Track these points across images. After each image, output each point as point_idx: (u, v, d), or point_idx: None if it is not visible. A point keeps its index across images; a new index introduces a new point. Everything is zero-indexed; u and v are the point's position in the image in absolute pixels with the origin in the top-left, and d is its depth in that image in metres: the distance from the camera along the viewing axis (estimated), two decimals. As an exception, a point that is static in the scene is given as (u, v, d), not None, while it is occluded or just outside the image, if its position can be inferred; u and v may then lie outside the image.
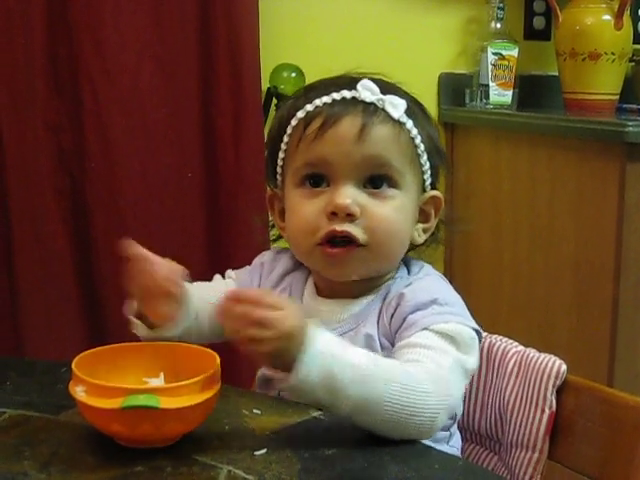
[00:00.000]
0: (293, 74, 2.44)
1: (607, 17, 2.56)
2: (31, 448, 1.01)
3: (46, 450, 1.01)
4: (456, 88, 2.74)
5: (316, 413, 1.13)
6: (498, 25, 2.67)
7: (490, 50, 2.62)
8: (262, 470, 0.96)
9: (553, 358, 1.27)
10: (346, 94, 1.22)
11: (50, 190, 2.21)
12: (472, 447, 1.38)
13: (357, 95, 1.22)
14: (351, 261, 1.22)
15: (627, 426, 1.18)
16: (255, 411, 1.13)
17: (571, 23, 2.60)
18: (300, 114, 1.25)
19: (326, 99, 1.23)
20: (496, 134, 2.54)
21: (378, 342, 1.21)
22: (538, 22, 2.86)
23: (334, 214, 1.19)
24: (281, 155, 1.29)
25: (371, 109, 1.21)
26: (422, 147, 1.25)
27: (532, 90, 2.79)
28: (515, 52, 2.65)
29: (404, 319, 1.19)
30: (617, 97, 2.63)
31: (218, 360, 1.05)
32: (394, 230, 1.22)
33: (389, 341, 1.21)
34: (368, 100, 1.21)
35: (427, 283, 1.25)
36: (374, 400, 1.03)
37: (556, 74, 2.70)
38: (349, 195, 1.19)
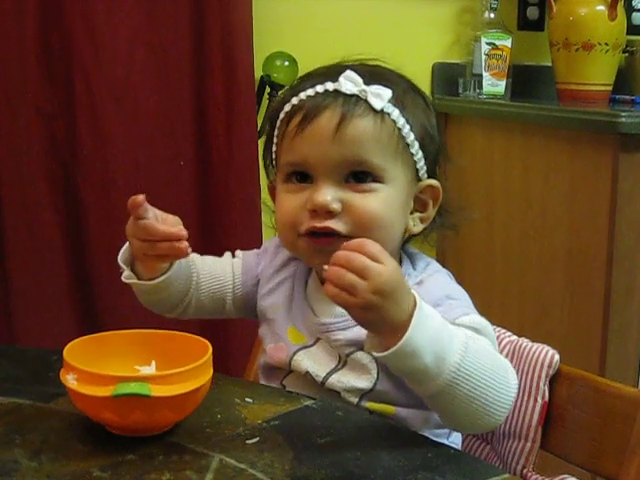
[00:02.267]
0: (286, 62, 2.43)
1: (601, 7, 2.55)
2: (22, 436, 1.01)
3: (37, 438, 1.01)
4: (449, 78, 2.74)
5: (309, 402, 1.13)
6: (492, 15, 2.68)
7: (484, 40, 2.62)
8: (254, 459, 0.96)
9: (546, 348, 1.27)
10: (329, 86, 1.20)
11: (42, 178, 2.21)
12: (465, 437, 1.38)
13: (338, 87, 1.19)
14: (335, 251, 1.21)
15: (619, 416, 1.18)
16: (247, 400, 1.13)
17: (565, 13, 2.60)
18: (286, 107, 1.24)
19: (310, 92, 1.21)
20: (489, 124, 2.54)
21: None
22: (532, 12, 2.86)
23: (314, 211, 1.19)
24: (274, 148, 1.28)
25: (352, 101, 1.19)
26: (412, 136, 1.22)
27: (525, 80, 2.79)
28: (509, 42, 2.64)
29: None
30: (610, 88, 2.63)
31: (210, 349, 1.05)
32: (379, 222, 1.20)
33: None
34: (349, 92, 1.19)
35: (438, 280, 1.25)
36: (476, 373, 1.02)
37: (549, 64, 2.70)
38: (328, 193, 1.18)
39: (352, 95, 1.19)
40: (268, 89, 2.41)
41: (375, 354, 1.01)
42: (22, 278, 2.21)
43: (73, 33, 2.17)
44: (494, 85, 2.64)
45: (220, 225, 2.34)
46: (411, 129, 1.22)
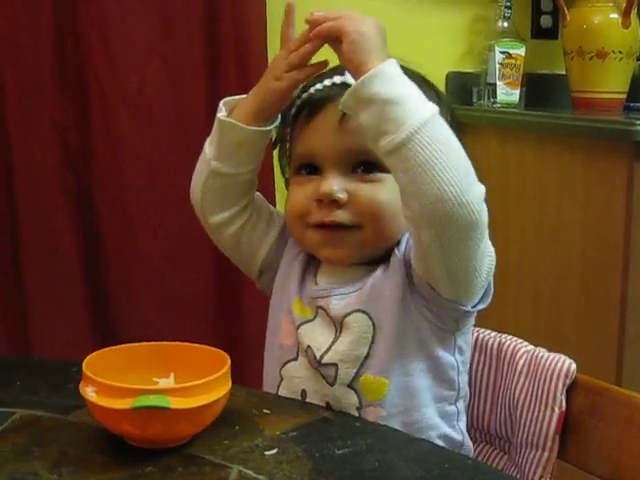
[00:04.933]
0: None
1: (614, 16, 2.56)
2: (41, 448, 1.01)
3: (56, 450, 1.01)
4: (463, 87, 2.74)
5: (327, 413, 1.13)
6: (505, 24, 2.68)
7: (497, 49, 2.62)
8: (272, 470, 0.96)
9: (563, 357, 1.27)
10: (336, 79, 1.23)
11: (57, 188, 2.22)
12: (482, 446, 1.38)
13: (345, 80, 1.21)
14: (344, 242, 1.22)
15: (637, 426, 1.17)
16: (265, 411, 1.13)
17: (578, 22, 2.60)
18: (297, 102, 1.27)
19: (318, 86, 1.24)
20: (504, 133, 2.54)
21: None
22: (545, 21, 2.86)
23: (320, 201, 1.21)
24: (287, 146, 1.30)
25: None
26: None
27: (539, 89, 2.79)
28: (522, 51, 2.65)
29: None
30: (625, 96, 2.63)
31: (229, 360, 1.05)
32: (386, 212, 1.21)
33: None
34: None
35: None
36: (440, 138, 1.08)
37: (563, 73, 2.70)
38: (334, 183, 1.20)
39: None
40: (282, 98, 2.42)
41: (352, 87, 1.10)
42: (37, 286, 2.21)
43: (87, 44, 2.18)
44: (508, 94, 2.64)
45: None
46: None
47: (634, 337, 2.08)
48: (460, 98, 2.73)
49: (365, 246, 1.23)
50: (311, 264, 1.31)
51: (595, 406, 1.24)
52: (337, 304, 1.23)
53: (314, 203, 1.22)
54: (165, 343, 1.14)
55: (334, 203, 1.20)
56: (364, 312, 1.21)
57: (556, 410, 1.25)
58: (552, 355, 1.29)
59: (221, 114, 1.27)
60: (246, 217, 1.33)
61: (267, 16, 2.32)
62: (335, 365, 1.21)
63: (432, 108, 1.09)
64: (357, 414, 1.20)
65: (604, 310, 2.12)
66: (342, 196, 1.19)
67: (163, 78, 2.27)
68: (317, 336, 1.24)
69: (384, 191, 1.20)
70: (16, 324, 2.20)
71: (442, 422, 1.24)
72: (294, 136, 1.27)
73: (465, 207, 1.09)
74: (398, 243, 1.24)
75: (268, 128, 1.26)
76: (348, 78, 1.20)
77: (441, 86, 2.71)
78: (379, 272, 1.23)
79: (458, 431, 1.27)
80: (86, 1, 2.16)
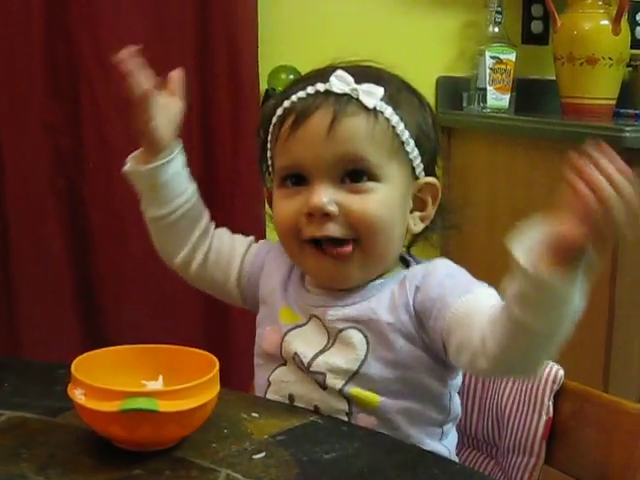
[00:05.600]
0: (291, 76, 2.44)
1: (605, 22, 2.56)
2: (29, 450, 1.01)
3: (44, 452, 1.01)
4: (453, 92, 2.74)
5: (314, 417, 1.13)
6: (496, 29, 2.68)
7: (488, 54, 2.63)
8: (260, 474, 0.96)
9: (550, 363, 1.27)
10: (320, 87, 1.20)
11: (47, 191, 2.22)
12: (469, 451, 1.38)
13: (329, 87, 1.19)
14: (343, 272, 1.21)
15: (623, 432, 1.18)
16: (254, 415, 1.13)
17: (569, 28, 2.60)
18: (279, 111, 1.23)
19: (301, 94, 1.21)
20: (493, 138, 2.54)
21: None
22: (536, 26, 2.87)
23: (311, 215, 1.18)
24: (268, 154, 1.28)
25: (343, 101, 1.18)
26: (406, 134, 1.21)
27: (530, 94, 2.79)
28: (513, 56, 2.65)
29: (438, 287, 1.19)
30: (614, 102, 2.64)
31: (217, 364, 1.05)
32: (380, 223, 1.19)
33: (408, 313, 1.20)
34: (340, 91, 1.18)
35: (445, 261, 1.26)
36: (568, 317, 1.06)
37: (554, 78, 2.71)
38: (324, 194, 1.17)
39: (344, 94, 1.18)
40: (273, 102, 2.42)
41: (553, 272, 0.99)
42: (27, 290, 2.21)
43: (79, 47, 2.18)
44: (498, 99, 2.64)
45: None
46: (405, 127, 1.21)
47: (621, 344, 2.09)
48: (450, 103, 2.73)
49: (366, 266, 1.22)
50: (294, 273, 1.30)
51: (582, 412, 1.24)
52: (334, 315, 1.22)
53: (303, 217, 1.19)
54: (154, 346, 1.14)
55: (325, 217, 1.17)
56: (360, 331, 1.20)
57: (543, 416, 1.26)
58: (540, 361, 1.29)
59: (125, 167, 1.32)
60: (205, 248, 1.36)
61: (259, 21, 2.32)
62: (323, 374, 1.20)
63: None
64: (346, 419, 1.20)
65: (591, 316, 2.11)
66: (333, 209, 1.17)
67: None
68: (306, 342, 1.23)
69: (375, 202, 1.19)
70: (5, 326, 2.20)
71: (429, 440, 1.23)
72: (277, 146, 1.24)
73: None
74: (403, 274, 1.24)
75: (164, 161, 1.30)
76: (332, 85, 1.19)
77: (431, 91, 2.71)
78: (384, 299, 1.21)
79: (444, 447, 1.26)
80: (78, 3, 2.16)
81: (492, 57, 2.63)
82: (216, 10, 2.28)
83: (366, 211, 1.18)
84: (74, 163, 2.22)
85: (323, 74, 1.21)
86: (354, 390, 1.19)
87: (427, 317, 1.18)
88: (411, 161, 1.23)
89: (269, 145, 1.27)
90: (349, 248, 1.19)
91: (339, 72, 1.20)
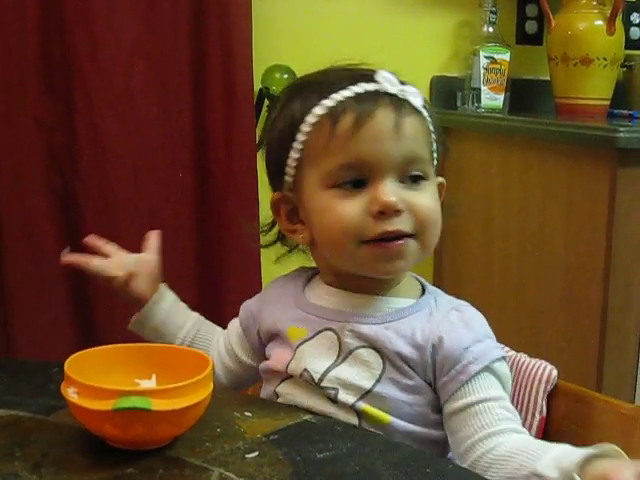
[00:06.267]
0: (285, 75, 2.44)
1: (599, 22, 2.56)
2: (22, 449, 1.01)
3: (37, 451, 1.01)
4: (448, 91, 2.75)
5: (308, 416, 1.13)
6: (490, 29, 2.68)
7: (482, 54, 2.63)
8: (253, 473, 0.96)
9: (544, 364, 1.27)
10: (367, 87, 1.18)
11: (41, 189, 2.21)
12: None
13: (379, 87, 1.18)
14: (403, 254, 1.19)
15: (616, 432, 1.18)
16: (247, 414, 1.13)
17: (563, 28, 2.61)
18: (319, 111, 1.19)
19: (347, 93, 1.18)
20: (487, 138, 2.55)
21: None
22: (530, 26, 2.87)
23: (382, 213, 1.16)
24: (294, 155, 1.22)
25: (397, 101, 1.18)
26: (433, 135, 1.24)
27: (524, 94, 2.80)
28: (507, 56, 2.65)
29: (461, 349, 1.18)
30: (608, 102, 2.64)
31: (211, 363, 1.05)
32: (437, 219, 1.21)
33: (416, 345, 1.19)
34: (391, 91, 1.18)
35: (473, 311, 1.27)
36: None
37: (548, 78, 2.71)
38: (393, 192, 1.16)
39: (394, 95, 1.19)
40: (267, 101, 2.42)
41: None
42: (20, 288, 2.21)
43: (73, 45, 2.18)
44: (492, 99, 2.65)
45: (218, 236, 2.34)
46: (434, 127, 1.24)
47: (615, 344, 2.09)
48: (444, 103, 2.74)
49: (418, 253, 1.21)
50: (292, 294, 1.30)
51: (575, 412, 1.24)
52: (351, 332, 1.21)
53: (368, 216, 1.17)
54: (147, 344, 1.15)
55: (395, 213, 1.17)
56: (378, 351, 1.19)
57: (537, 415, 1.26)
58: (533, 361, 1.30)
59: (128, 326, 1.43)
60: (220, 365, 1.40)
61: (253, 20, 2.32)
62: (336, 389, 1.19)
63: None
64: None
65: (586, 316, 2.13)
66: (402, 206, 1.17)
67: (148, 79, 2.27)
68: (315, 356, 1.21)
69: (430, 198, 1.21)
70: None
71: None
72: (324, 147, 1.19)
73: None
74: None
75: (153, 300, 1.41)
76: (382, 85, 1.18)
77: (425, 90, 2.72)
78: (404, 330, 1.20)
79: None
80: (72, 0, 2.16)
81: (486, 57, 2.63)
82: (210, 9, 2.28)
83: (426, 206, 1.19)
84: (68, 161, 2.22)
85: (355, 76, 1.20)
86: (366, 407, 1.18)
87: (440, 374, 1.18)
88: (434, 160, 1.26)
89: (298, 146, 1.22)
90: (413, 242, 1.19)
91: (384, 73, 1.20)
